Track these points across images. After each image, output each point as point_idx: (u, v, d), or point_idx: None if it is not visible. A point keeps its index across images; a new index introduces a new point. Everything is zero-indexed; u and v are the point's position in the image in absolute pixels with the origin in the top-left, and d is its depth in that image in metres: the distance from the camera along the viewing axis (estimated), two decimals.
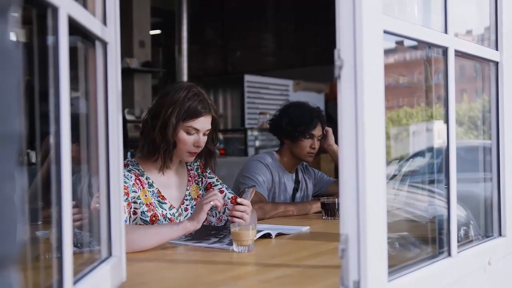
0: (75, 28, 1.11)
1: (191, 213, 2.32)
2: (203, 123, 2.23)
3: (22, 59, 0.59)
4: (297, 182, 3.17)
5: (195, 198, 2.39)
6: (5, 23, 0.55)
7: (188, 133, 2.22)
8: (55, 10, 0.99)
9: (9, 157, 0.54)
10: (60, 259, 1.00)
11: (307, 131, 3.01)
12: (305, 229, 2.39)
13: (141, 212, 2.18)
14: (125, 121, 5.43)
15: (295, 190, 3.16)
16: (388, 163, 1.26)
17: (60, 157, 1.00)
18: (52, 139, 1.00)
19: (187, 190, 2.38)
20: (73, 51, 1.07)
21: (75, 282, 1.07)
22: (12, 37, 0.57)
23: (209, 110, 2.24)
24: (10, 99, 0.53)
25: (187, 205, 2.36)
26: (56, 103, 1.00)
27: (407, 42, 1.56)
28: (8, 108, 0.53)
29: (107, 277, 1.29)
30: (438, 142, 1.86)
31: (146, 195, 2.22)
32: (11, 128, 0.54)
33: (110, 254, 1.37)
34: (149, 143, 2.23)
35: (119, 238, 1.39)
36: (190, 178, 2.41)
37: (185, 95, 2.19)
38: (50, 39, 1.01)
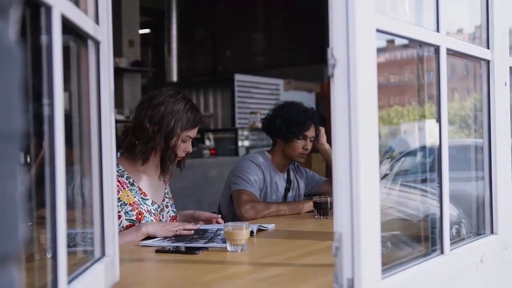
0: (68, 27, 1.11)
1: (172, 210, 2.45)
2: (196, 131, 2.36)
3: (22, 57, 0.59)
4: (288, 181, 3.17)
5: (171, 197, 2.50)
6: (5, 22, 0.55)
7: (184, 141, 2.31)
8: (48, 9, 0.98)
9: (11, 155, 0.54)
10: (54, 259, 1.00)
11: (300, 132, 2.99)
12: (271, 226, 2.38)
13: (124, 212, 2.21)
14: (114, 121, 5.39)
15: (287, 189, 3.15)
16: (380, 162, 1.27)
17: (54, 158, 0.99)
18: (45, 140, 1.00)
19: (166, 189, 2.47)
20: (64, 50, 1.07)
21: (69, 282, 1.07)
22: (13, 35, 0.57)
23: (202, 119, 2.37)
24: (12, 97, 0.53)
25: (167, 202, 2.45)
26: (50, 103, 0.99)
27: (398, 41, 1.56)
28: (10, 106, 0.53)
29: (101, 276, 1.29)
30: (430, 141, 1.87)
31: (128, 195, 2.25)
32: (13, 126, 0.54)
33: (103, 254, 1.37)
34: (150, 150, 2.28)
35: (112, 238, 1.39)
36: (166, 179, 2.50)
37: (184, 106, 2.29)
38: (43, 38, 1.00)
